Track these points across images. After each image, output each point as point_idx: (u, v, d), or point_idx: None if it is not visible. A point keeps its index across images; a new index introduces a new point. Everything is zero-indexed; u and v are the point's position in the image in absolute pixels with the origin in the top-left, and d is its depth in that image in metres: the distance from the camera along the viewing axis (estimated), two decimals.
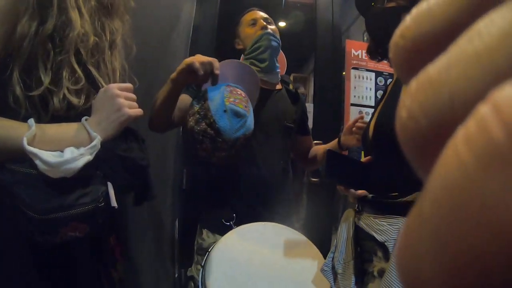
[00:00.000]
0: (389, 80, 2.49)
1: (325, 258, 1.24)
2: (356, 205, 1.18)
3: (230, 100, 1.19)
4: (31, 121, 0.69)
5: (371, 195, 1.12)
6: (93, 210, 0.71)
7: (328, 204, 2.33)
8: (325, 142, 2.20)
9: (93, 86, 0.83)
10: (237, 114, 1.18)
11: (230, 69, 1.37)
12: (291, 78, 4.01)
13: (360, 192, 1.17)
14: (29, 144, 0.66)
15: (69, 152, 0.69)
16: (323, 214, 2.32)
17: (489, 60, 0.11)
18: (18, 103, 0.72)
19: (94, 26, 0.84)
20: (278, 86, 1.74)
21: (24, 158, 0.66)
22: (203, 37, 2.33)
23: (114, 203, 0.75)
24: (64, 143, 0.71)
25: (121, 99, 0.80)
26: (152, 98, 1.40)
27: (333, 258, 1.22)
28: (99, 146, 0.74)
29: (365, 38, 3.73)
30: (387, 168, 1.10)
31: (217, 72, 1.23)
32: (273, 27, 1.69)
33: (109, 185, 0.75)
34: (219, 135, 1.13)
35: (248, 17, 1.73)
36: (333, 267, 1.21)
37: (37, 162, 0.65)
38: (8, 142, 0.66)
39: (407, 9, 1.12)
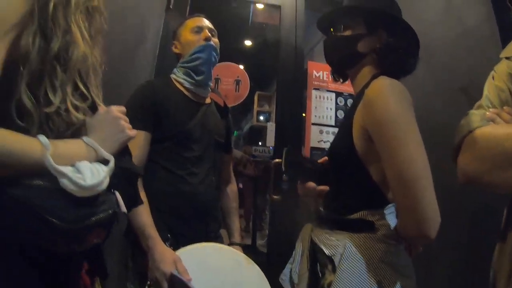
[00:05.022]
0: (349, 100, 2.60)
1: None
2: (314, 221, 1.23)
3: None
4: (44, 138, 0.71)
5: (324, 211, 1.18)
6: (113, 215, 0.77)
7: (291, 220, 2.37)
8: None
9: (93, 106, 0.86)
10: None
11: None
12: (256, 96, 4.08)
13: (322, 187, 1.20)
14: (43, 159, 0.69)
15: (89, 171, 0.72)
16: (286, 230, 2.36)
17: None
18: (31, 120, 0.74)
19: (91, 49, 0.87)
20: (208, 100, 1.70)
21: (40, 172, 0.68)
22: (169, 54, 2.34)
23: (124, 209, 0.82)
24: (74, 159, 0.75)
25: (123, 121, 0.89)
26: None
27: (291, 269, 1.27)
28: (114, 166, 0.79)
29: None
30: (338, 188, 1.16)
31: None
32: (216, 39, 1.67)
33: (116, 193, 0.82)
34: None
35: (193, 22, 1.67)
36: (290, 277, 1.27)
37: (64, 181, 0.68)
38: (25, 159, 0.68)
39: (362, 37, 1.20)
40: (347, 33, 1.22)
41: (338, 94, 2.57)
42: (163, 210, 1.42)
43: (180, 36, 1.68)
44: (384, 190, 1.08)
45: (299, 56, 2.56)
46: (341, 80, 1.36)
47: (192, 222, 1.46)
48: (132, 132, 0.90)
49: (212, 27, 1.69)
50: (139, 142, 1.40)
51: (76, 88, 0.83)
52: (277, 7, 2.72)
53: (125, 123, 0.89)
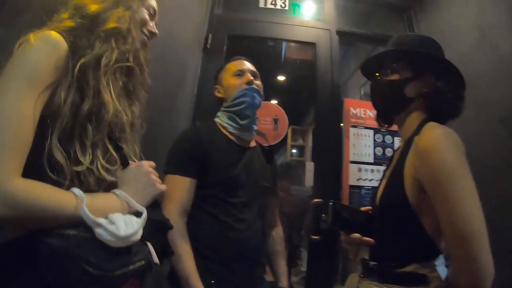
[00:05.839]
0: (387, 137, 2.56)
1: None
2: (360, 271, 1.19)
3: None
4: (78, 190, 0.75)
5: (373, 263, 1.14)
6: (146, 266, 0.78)
7: (329, 261, 2.31)
8: (325, 200, 2.22)
9: (123, 163, 0.90)
10: None
11: None
12: (290, 130, 4.08)
13: (367, 239, 1.18)
14: (79, 211, 0.72)
15: (123, 223, 0.75)
16: (324, 271, 2.30)
17: None
18: (63, 174, 0.77)
19: (123, 106, 0.91)
20: (252, 143, 1.67)
21: (75, 223, 0.72)
22: (207, 93, 2.38)
23: (156, 259, 0.83)
24: (108, 211, 0.77)
25: (154, 175, 0.92)
26: (158, 157, 1.43)
27: None
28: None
29: (362, 93, 3.85)
30: (388, 239, 1.12)
31: None
32: (258, 82, 1.65)
33: (149, 244, 0.83)
34: None
35: (234, 66, 1.67)
36: None
37: (100, 231, 0.71)
38: (60, 212, 0.71)
39: (409, 81, 1.18)
40: (394, 77, 1.20)
41: (376, 131, 2.53)
42: (209, 256, 1.40)
43: (222, 80, 1.68)
44: (436, 241, 1.04)
45: (335, 93, 2.56)
46: (386, 126, 1.34)
47: (238, 269, 1.43)
48: (162, 186, 0.93)
49: (254, 69, 1.68)
50: (184, 188, 1.41)
51: (106, 149, 0.86)
52: (312, 45, 2.74)
53: (155, 177, 0.93)
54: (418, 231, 1.04)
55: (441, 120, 1.13)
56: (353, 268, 1.46)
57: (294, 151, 4.62)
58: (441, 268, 1.07)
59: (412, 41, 1.24)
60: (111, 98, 0.86)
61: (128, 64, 0.93)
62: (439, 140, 1.00)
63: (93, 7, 0.90)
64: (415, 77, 1.18)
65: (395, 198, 1.09)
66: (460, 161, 0.97)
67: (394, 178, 1.12)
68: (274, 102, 3.26)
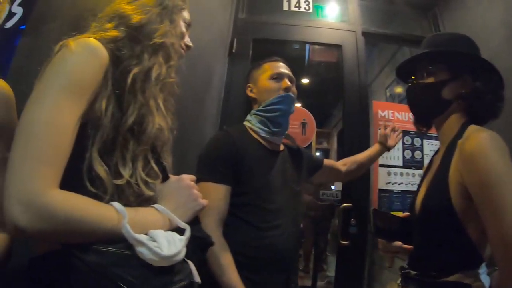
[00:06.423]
0: (416, 139, 2.50)
1: None
2: (399, 280, 1.16)
3: None
4: (119, 205, 0.71)
5: (414, 272, 1.10)
6: (189, 285, 0.75)
7: (358, 265, 2.28)
8: (354, 205, 2.19)
9: (164, 177, 0.87)
10: None
11: None
12: (315, 133, 4.05)
13: (407, 247, 1.18)
14: (120, 227, 0.68)
15: (165, 240, 0.71)
16: (353, 276, 2.27)
17: None
18: (103, 187, 0.74)
19: (164, 120, 0.89)
20: (281, 147, 1.63)
21: (114, 239, 0.68)
22: (233, 98, 2.39)
23: (198, 279, 0.79)
24: (149, 227, 0.74)
25: (195, 190, 0.89)
26: (187, 163, 1.43)
27: None
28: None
29: (388, 94, 3.79)
30: (430, 247, 1.09)
31: None
32: (294, 89, 1.60)
33: (190, 262, 0.79)
34: None
35: (272, 67, 1.60)
36: None
37: (142, 249, 0.67)
38: (101, 226, 0.68)
39: (446, 83, 1.15)
40: (431, 79, 1.17)
41: (405, 133, 2.47)
42: (245, 264, 1.35)
43: (257, 80, 1.62)
44: (481, 249, 1.01)
45: (363, 95, 2.52)
46: (425, 130, 1.31)
47: (275, 275, 1.40)
48: (204, 201, 0.89)
49: (291, 73, 1.62)
50: (220, 196, 1.37)
51: (147, 163, 0.83)
52: (338, 47, 2.72)
53: (197, 192, 0.89)
54: (462, 238, 1.01)
55: (481, 121, 1.10)
56: (379, 273, 1.43)
57: (318, 154, 4.58)
58: (484, 277, 1.04)
59: (447, 41, 1.21)
60: (156, 112, 0.85)
61: (173, 80, 0.92)
62: (485, 145, 0.96)
63: (137, 18, 0.88)
64: (452, 79, 1.15)
65: (439, 204, 1.06)
66: (507, 165, 0.94)
67: (437, 184, 1.09)
68: (298, 105, 3.24)
